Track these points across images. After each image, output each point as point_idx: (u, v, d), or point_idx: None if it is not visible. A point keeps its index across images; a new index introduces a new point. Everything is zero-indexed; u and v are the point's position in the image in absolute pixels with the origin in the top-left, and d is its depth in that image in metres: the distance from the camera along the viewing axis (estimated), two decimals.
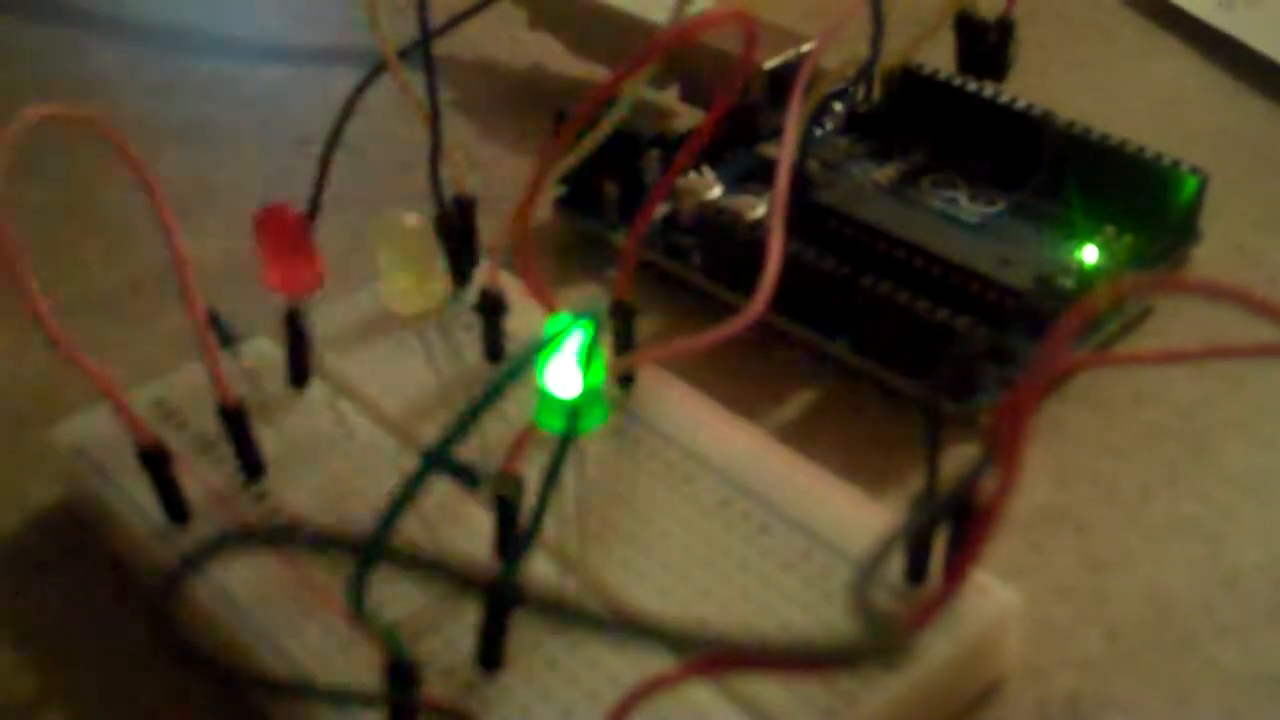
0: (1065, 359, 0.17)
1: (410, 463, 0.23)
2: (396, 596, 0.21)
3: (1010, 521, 0.23)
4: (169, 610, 0.16)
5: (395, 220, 0.24)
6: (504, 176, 0.31)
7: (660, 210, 0.29)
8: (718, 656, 0.15)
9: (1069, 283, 0.26)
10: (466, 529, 0.22)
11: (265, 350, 0.25)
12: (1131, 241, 0.28)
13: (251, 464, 0.23)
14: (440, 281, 0.25)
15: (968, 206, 0.29)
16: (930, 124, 0.31)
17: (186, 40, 0.39)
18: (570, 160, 0.26)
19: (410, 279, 0.24)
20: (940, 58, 0.31)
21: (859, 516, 0.22)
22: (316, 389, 0.25)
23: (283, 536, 0.19)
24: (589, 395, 0.19)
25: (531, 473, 0.20)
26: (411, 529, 0.21)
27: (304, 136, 0.34)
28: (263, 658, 0.20)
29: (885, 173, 0.30)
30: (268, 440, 0.23)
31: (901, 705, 0.19)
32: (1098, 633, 0.22)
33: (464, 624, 0.20)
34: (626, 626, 0.15)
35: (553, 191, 0.30)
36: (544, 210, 0.30)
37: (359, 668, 0.20)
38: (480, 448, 0.22)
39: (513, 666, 0.20)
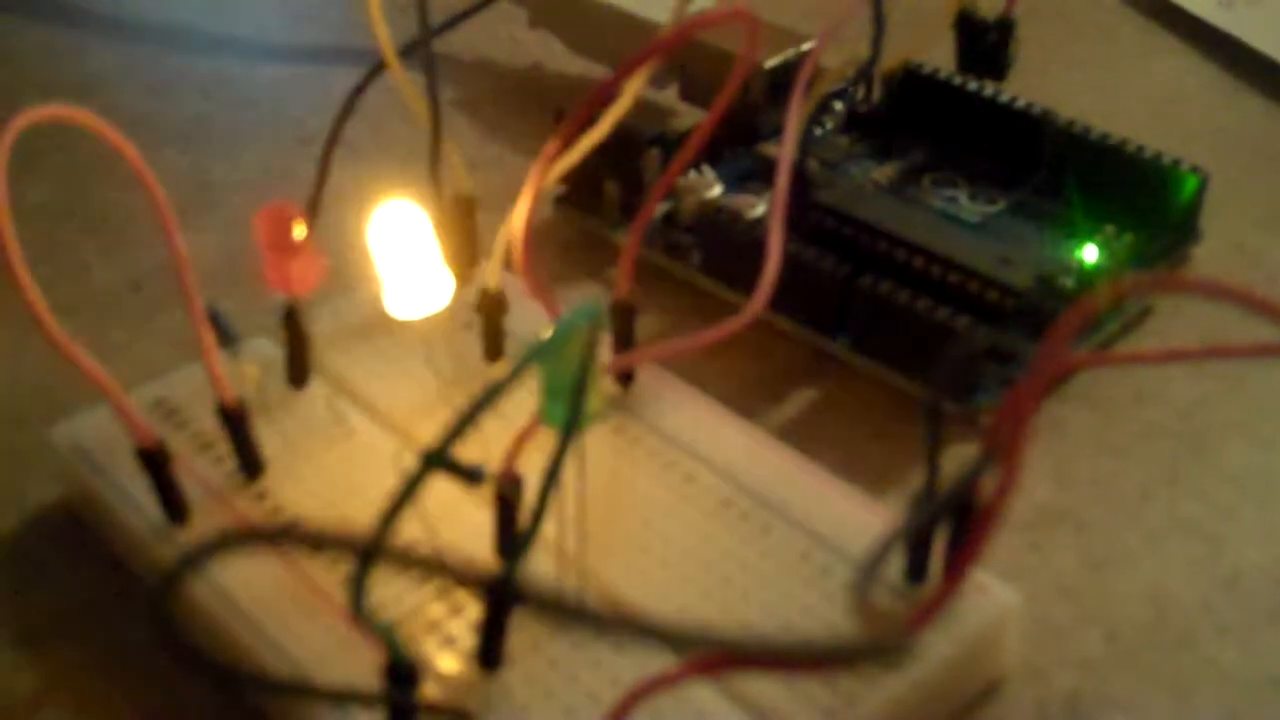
0: (1065, 358, 0.17)
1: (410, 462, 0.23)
2: (396, 596, 0.21)
3: (1010, 521, 0.23)
4: (168, 610, 0.16)
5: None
6: (504, 176, 0.31)
7: (660, 209, 0.29)
8: (718, 656, 0.15)
9: (1069, 282, 0.26)
10: (466, 529, 0.22)
11: (265, 350, 0.25)
12: (1131, 240, 0.28)
13: (251, 463, 0.23)
14: None
15: (968, 206, 0.29)
16: (930, 123, 0.31)
17: (186, 40, 0.39)
18: (570, 159, 0.26)
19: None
20: (940, 57, 0.31)
21: (859, 516, 0.22)
22: (316, 389, 0.25)
23: (283, 536, 0.19)
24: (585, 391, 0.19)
25: (531, 473, 0.20)
26: (411, 529, 0.21)
27: (304, 136, 0.34)
28: (263, 658, 0.20)
29: (885, 172, 0.30)
30: (267, 440, 0.23)
31: (901, 705, 0.19)
32: (1097, 632, 0.22)
33: (464, 623, 0.20)
34: (626, 626, 0.15)
35: (553, 191, 0.30)
36: (544, 209, 0.30)
37: (359, 668, 0.20)
38: (480, 447, 0.22)
39: (513, 666, 0.20)
